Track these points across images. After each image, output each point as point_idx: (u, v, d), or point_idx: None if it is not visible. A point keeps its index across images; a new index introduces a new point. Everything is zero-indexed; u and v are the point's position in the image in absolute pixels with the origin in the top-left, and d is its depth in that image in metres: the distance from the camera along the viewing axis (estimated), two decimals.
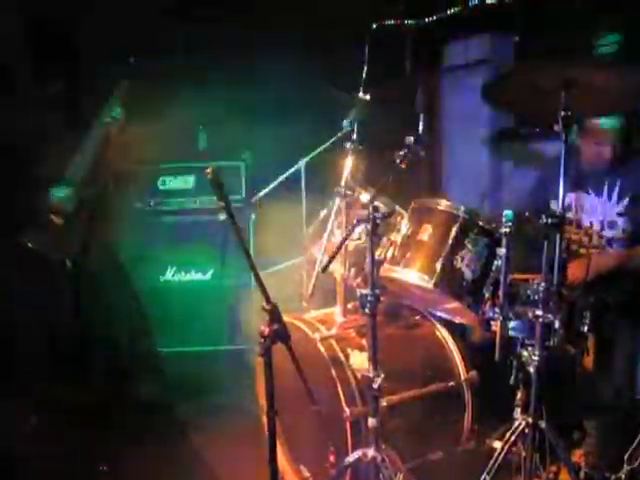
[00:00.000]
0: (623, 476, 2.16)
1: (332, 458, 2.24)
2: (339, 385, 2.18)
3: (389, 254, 2.27)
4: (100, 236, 3.05)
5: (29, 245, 2.80)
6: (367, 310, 2.00)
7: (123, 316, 3.21)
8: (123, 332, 3.18)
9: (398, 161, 2.17)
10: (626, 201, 2.64)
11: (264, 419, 2.64)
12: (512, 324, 2.07)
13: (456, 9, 2.78)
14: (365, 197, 2.38)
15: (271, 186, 3.38)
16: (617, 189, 2.66)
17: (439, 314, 2.53)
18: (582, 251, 2.75)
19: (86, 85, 3.17)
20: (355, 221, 2.00)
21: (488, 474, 2.04)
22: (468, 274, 2.11)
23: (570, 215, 2.71)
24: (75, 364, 2.91)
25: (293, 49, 4.17)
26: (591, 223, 2.72)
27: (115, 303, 3.13)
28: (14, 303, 2.81)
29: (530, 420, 2.01)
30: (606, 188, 2.69)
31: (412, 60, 5.03)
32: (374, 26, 2.67)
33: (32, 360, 2.84)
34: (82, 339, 2.95)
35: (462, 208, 2.15)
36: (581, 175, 2.72)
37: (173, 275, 3.86)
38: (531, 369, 1.98)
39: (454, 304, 2.22)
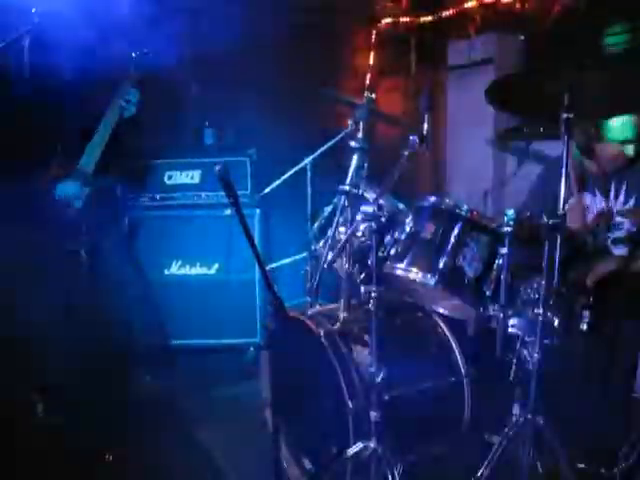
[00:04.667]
0: (617, 473, 2.19)
1: (334, 450, 2.28)
2: (342, 379, 2.22)
3: (392, 251, 2.30)
4: (114, 229, 3.07)
5: (43, 233, 2.84)
6: (370, 306, 2.04)
7: (135, 309, 3.23)
8: (135, 325, 3.20)
9: (402, 160, 2.20)
10: (632, 202, 2.64)
11: (268, 411, 2.71)
12: (512, 322, 2.11)
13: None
14: (370, 195, 2.41)
15: (277, 182, 3.40)
16: (624, 190, 2.66)
17: (441, 311, 2.56)
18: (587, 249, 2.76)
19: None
20: (359, 218, 2.03)
21: (486, 469, 2.08)
22: (470, 272, 2.14)
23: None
24: (87, 354, 2.94)
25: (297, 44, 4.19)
26: (598, 224, 2.71)
27: (128, 296, 3.15)
28: (30, 289, 2.84)
29: (528, 416, 2.04)
30: (613, 189, 2.69)
31: (416, 58, 5.06)
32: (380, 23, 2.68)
33: (45, 347, 2.87)
34: (95, 330, 2.97)
35: (465, 207, 2.18)
36: (587, 176, 2.73)
37: (178, 269, 3.90)
38: (530, 366, 2.02)
39: (456, 301, 2.25)
